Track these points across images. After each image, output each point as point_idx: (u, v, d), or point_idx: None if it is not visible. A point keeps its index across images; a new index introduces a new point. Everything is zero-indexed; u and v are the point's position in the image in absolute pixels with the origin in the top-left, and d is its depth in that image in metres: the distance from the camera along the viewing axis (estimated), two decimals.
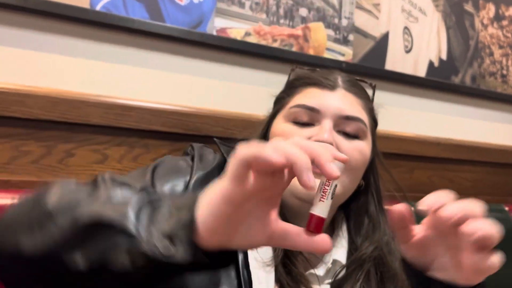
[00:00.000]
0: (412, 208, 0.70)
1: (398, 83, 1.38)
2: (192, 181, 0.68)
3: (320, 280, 0.69)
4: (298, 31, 1.21)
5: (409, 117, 1.42)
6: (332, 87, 0.74)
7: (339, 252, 0.73)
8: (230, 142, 0.79)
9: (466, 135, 1.50)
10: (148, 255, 0.41)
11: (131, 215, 0.43)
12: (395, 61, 1.37)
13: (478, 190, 1.49)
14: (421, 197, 1.56)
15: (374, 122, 0.81)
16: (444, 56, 1.47)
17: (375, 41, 1.33)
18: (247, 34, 1.13)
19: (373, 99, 0.84)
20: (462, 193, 1.49)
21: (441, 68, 1.46)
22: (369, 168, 0.79)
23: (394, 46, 1.37)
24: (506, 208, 1.37)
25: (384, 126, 1.36)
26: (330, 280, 0.70)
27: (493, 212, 1.34)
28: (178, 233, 0.41)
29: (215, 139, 0.79)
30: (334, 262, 0.72)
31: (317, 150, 0.41)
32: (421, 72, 1.42)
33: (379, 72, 1.33)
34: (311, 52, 1.22)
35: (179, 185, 0.68)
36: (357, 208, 0.77)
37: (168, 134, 1.01)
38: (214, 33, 1.09)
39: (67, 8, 0.94)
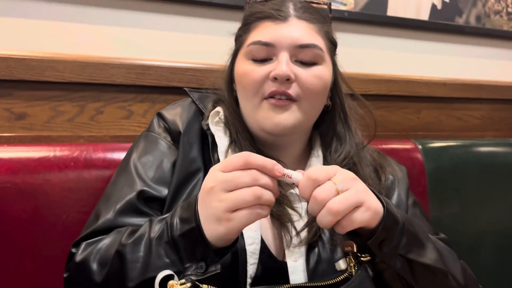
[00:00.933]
0: None
1: (401, 28, 1.43)
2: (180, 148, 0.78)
3: (300, 198, 0.76)
4: None
5: (415, 60, 1.48)
6: (284, 18, 0.75)
7: None
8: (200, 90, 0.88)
9: (473, 74, 1.55)
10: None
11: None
12: (397, 7, 1.41)
13: (486, 126, 1.55)
14: (429, 136, 1.64)
15: (331, 43, 0.82)
16: None
17: None
18: None
19: (330, 19, 0.84)
20: (471, 130, 1.57)
21: (444, 10, 1.49)
22: (333, 89, 0.83)
23: None
24: None
25: (390, 69, 1.43)
26: None
27: (503, 146, 1.40)
28: (206, 256, 0.59)
29: (185, 88, 0.86)
30: None
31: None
32: (424, 15, 1.46)
33: (381, 19, 1.38)
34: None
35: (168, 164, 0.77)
36: (326, 128, 0.83)
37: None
38: None
39: None
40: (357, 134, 0.85)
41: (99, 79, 1.02)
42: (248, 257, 0.68)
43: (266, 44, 0.75)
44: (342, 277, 0.65)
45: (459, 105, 1.49)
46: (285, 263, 0.72)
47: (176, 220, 0.61)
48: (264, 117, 0.75)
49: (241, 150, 0.76)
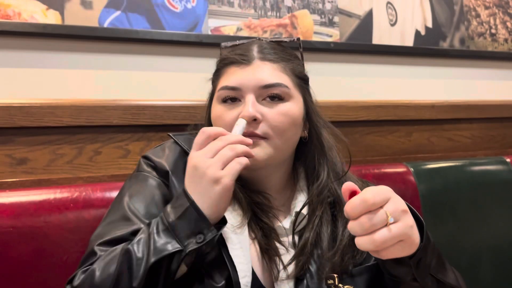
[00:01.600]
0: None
1: (386, 55, 1.48)
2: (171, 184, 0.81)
3: (287, 231, 0.79)
4: (286, 20, 1.33)
5: (403, 85, 1.52)
6: (248, 61, 0.80)
7: (299, 205, 0.82)
8: (182, 131, 0.91)
9: (460, 95, 1.59)
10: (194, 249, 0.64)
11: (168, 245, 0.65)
12: (381, 35, 1.47)
13: (477, 145, 1.58)
14: (421, 158, 1.67)
15: (300, 78, 0.84)
16: (430, 24, 1.56)
17: (360, 19, 1.44)
18: (239, 29, 1.27)
19: (301, 53, 0.87)
20: (462, 149, 1.61)
21: (428, 35, 1.55)
22: (309, 121, 0.85)
23: (379, 22, 1.47)
24: (508, 160, 1.45)
25: (379, 95, 1.48)
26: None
27: (496, 164, 1.42)
28: (202, 228, 0.66)
29: (168, 134, 0.88)
30: (296, 214, 0.80)
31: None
32: (409, 42, 1.52)
33: (367, 47, 1.44)
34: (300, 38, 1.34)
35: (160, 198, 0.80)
36: (304, 159, 0.86)
37: (179, 126, 1.15)
38: (209, 32, 1.23)
39: (80, 28, 1.10)
40: (336, 163, 0.87)
41: (96, 121, 1.07)
42: None
43: (233, 89, 0.79)
44: None
45: (449, 125, 1.53)
46: None
47: (168, 209, 0.68)
48: None
49: None
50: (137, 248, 0.66)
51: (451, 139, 1.54)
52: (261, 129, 0.77)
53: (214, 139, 0.70)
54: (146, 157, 0.85)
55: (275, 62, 0.81)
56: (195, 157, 0.69)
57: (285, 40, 0.87)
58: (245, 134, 0.77)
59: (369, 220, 0.57)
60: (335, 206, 0.83)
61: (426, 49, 1.54)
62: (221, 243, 0.73)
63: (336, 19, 1.40)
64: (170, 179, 0.81)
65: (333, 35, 1.39)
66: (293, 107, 0.80)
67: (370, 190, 0.59)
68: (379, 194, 0.59)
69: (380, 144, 1.41)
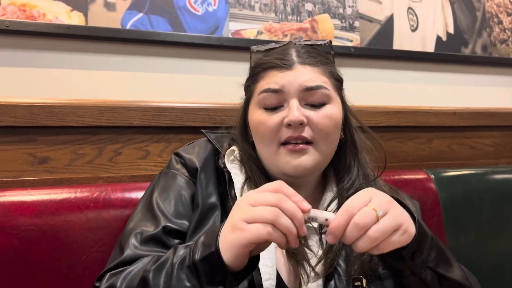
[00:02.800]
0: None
1: (407, 61, 1.47)
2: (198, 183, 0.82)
3: (316, 230, 0.79)
4: (306, 24, 1.33)
5: (423, 91, 1.50)
6: (289, 66, 0.80)
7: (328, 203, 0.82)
8: (216, 130, 0.93)
9: (482, 102, 1.56)
10: None
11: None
12: (402, 41, 1.46)
13: (499, 154, 1.54)
14: (442, 165, 1.64)
15: (337, 81, 0.85)
16: (451, 30, 1.54)
17: (381, 24, 1.43)
18: (259, 33, 1.27)
19: (333, 57, 0.88)
20: (484, 157, 1.58)
21: (449, 41, 1.53)
22: (344, 123, 0.86)
23: (399, 27, 1.45)
24: None
25: (399, 101, 1.46)
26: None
27: None
28: (223, 279, 0.61)
29: (202, 130, 0.91)
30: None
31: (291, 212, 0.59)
32: (430, 47, 1.50)
33: (388, 52, 1.42)
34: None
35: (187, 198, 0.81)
36: (338, 161, 0.86)
37: (198, 128, 1.15)
38: (230, 35, 1.23)
39: (103, 30, 1.11)
40: (367, 166, 0.87)
41: (117, 122, 1.07)
42: None
43: (276, 91, 0.79)
44: None
45: (470, 133, 1.50)
46: None
47: (198, 245, 0.63)
48: (283, 162, 0.78)
49: (256, 186, 0.79)
50: (158, 279, 0.63)
51: (472, 146, 1.51)
52: (307, 133, 0.77)
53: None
54: (177, 154, 0.87)
55: (314, 65, 0.81)
56: (245, 196, 0.63)
57: (319, 43, 0.87)
58: (293, 137, 0.77)
59: (359, 219, 0.58)
60: None
61: (448, 55, 1.52)
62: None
63: (356, 24, 1.39)
64: (199, 176, 0.82)
65: (354, 39, 1.38)
66: (335, 109, 0.81)
67: (349, 199, 0.61)
68: (358, 197, 0.61)
69: (400, 150, 1.39)
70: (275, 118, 0.78)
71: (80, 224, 0.92)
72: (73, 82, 1.11)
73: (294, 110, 0.76)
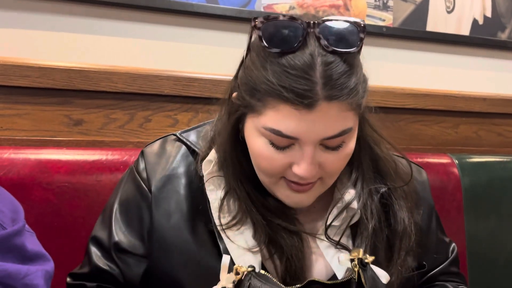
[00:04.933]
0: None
1: (440, 43, 1.44)
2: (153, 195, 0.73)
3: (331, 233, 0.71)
4: (339, 1, 1.32)
5: (454, 75, 1.48)
6: (311, 105, 0.58)
7: (345, 197, 0.72)
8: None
9: None
10: None
11: None
12: (436, 22, 1.43)
13: None
14: (467, 151, 1.63)
15: (359, 108, 0.65)
16: (489, 14, 1.50)
17: (416, 4, 1.40)
18: (291, 8, 1.27)
19: (362, 42, 0.62)
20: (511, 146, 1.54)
21: (486, 25, 1.49)
22: (360, 132, 0.71)
23: (435, 8, 1.43)
24: None
25: (429, 84, 1.45)
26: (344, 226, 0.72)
27: None
28: None
29: (176, 133, 0.79)
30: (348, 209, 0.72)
31: None
32: (465, 31, 1.47)
33: (420, 34, 1.40)
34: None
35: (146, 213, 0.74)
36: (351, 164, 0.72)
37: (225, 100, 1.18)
38: (262, 9, 1.24)
39: None
40: (387, 154, 0.77)
41: (148, 89, 1.11)
42: None
43: (288, 137, 0.61)
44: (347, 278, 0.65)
45: (500, 120, 1.48)
46: None
47: None
48: (283, 194, 0.68)
49: (238, 200, 0.69)
50: None
51: (500, 134, 1.49)
52: (316, 176, 0.65)
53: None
54: (143, 155, 0.79)
55: (343, 99, 0.60)
56: None
57: (354, 49, 0.61)
58: (299, 184, 0.65)
59: None
60: (387, 198, 0.73)
61: (483, 39, 1.48)
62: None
63: (390, 3, 1.37)
64: (157, 194, 0.73)
65: (386, 19, 1.37)
66: (353, 143, 0.66)
67: None
68: None
69: (425, 133, 1.39)
70: (283, 159, 0.63)
71: (110, 185, 0.97)
72: (108, 48, 1.15)
73: (307, 164, 0.61)
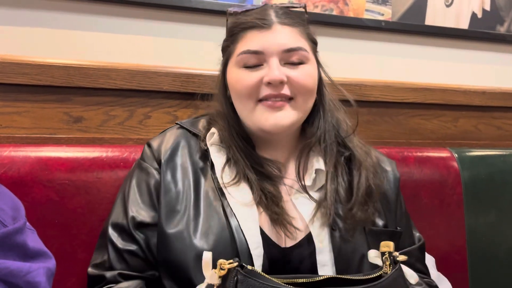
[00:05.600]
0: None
1: (439, 37, 1.44)
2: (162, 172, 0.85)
3: (302, 189, 0.84)
4: None
5: (453, 69, 1.48)
6: (268, 25, 0.81)
7: (316, 164, 0.85)
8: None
9: None
10: None
11: None
12: (435, 16, 1.43)
13: None
14: (466, 145, 1.64)
15: (313, 43, 0.87)
16: (487, 7, 1.50)
17: None
18: (290, 3, 1.26)
19: (307, 20, 0.88)
20: (511, 139, 1.54)
21: (485, 19, 1.49)
22: (319, 84, 0.88)
23: (434, 2, 1.42)
24: None
25: (428, 78, 1.44)
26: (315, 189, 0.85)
27: None
28: None
29: (176, 122, 0.93)
30: (317, 171, 0.85)
31: None
32: (464, 24, 1.47)
33: (419, 28, 1.40)
34: (350, 14, 1.33)
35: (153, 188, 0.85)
36: (312, 121, 0.88)
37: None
38: (261, 4, 1.23)
39: None
40: (342, 124, 0.90)
41: (148, 86, 1.11)
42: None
43: (256, 52, 0.81)
44: (378, 274, 0.69)
45: (499, 113, 1.48)
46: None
47: None
48: (261, 118, 0.81)
49: (236, 165, 0.83)
50: None
51: (500, 127, 1.49)
52: (286, 90, 0.80)
53: None
54: (148, 144, 0.90)
55: (293, 26, 0.83)
56: None
57: (296, 6, 0.88)
58: (272, 95, 0.79)
59: None
60: (351, 160, 0.87)
61: (482, 32, 1.48)
62: (231, 216, 0.78)
63: None
64: (165, 166, 0.85)
65: (385, 13, 1.37)
66: (313, 69, 0.84)
67: None
68: None
69: (425, 127, 1.39)
70: (254, 76, 0.80)
71: (110, 182, 0.97)
72: (107, 45, 1.14)
73: (275, 69, 0.79)
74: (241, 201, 0.80)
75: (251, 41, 0.81)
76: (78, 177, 0.95)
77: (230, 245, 0.76)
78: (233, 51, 0.84)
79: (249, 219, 0.78)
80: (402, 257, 0.71)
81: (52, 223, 0.92)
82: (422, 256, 0.94)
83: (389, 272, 0.69)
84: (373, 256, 0.71)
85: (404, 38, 1.41)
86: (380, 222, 0.86)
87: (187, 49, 1.21)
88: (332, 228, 0.79)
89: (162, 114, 1.14)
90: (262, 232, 0.79)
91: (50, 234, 0.91)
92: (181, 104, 1.16)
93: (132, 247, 0.81)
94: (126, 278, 0.79)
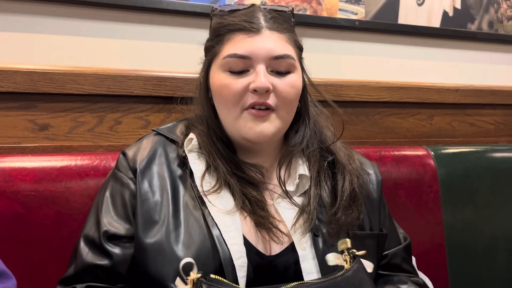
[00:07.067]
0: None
1: (412, 36, 1.45)
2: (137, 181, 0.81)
3: (291, 194, 0.82)
4: None
5: (427, 67, 1.49)
6: (257, 30, 0.78)
7: (300, 168, 0.84)
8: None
9: (486, 80, 1.55)
10: None
11: None
12: (407, 15, 1.43)
13: (500, 132, 1.54)
14: (442, 142, 1.65)
15: (299, 50, 0.85)
16: (458, 5, 1.51)
17: None
18: (263, 3, 1.24)
19: (294, 25, 0.87)
20: (484, 135, 1.58)
21: (456, 17, 1.50)
22: (302, 91, 0.85)
23: (406, 1, 1.43)
24: None
25: (402, 77, 1.45)
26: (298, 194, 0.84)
27: None
28: None
29: (153, 129, 0.88)
30: (301, 176, 0.84)
31: None
32: (436, 23, 1.48)
33: (392, 27, 1.40)
34: (324, 14, 1.32)
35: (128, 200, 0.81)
36: (296, 129, 0.86)
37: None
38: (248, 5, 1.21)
39: None
40: (324, 131, 0.89)
41: (118, 90, 1.07)
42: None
43: (243, 57, 0.78)
44: (341, 273, 0.70)
45: (472, 111, 1.50)
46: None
47: None
48: (246, 127, 0.79)
49: (217, 171, 0.80)
50: None
51: (473, 124, 1.51)
52: (272, 100, 0.78)
53: None
54: (123, 153, 0.85)
55: (281, 32, 0.81)
56: None
57: (285, 10, 0.86)
58: (258, 103, 0.77)
59: None
60: (334, 165, 0.86)
61: (453, 31, 1.50)
62: (213, 226, 0.76)
63: None
64: (141, 176, 0.81)
65: (359, 13, 1.36)
66: (298, 78, 0.81)
67: None
68: None
69: (401, 126, 1.39)
70: (240, 83, 0.78)
71: (80, 191, 0.93)
72: (74, 49, 1.09)
73: (261, 77, 0.76)
74: (223, 209, 0.77)
75: (239, 44, 0.78)
76: (45, 187, 0.90)
77: (212, 256, 0.73)
78: (218, 53, 0.81)
79: (231, 228, 0.76)
80: (361, 252, 0.72)
81: (18, 238, 0.87)
82: (408, 256, 0.93)
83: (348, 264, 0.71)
84: (332, 259, 0.72)
85: (378, 37, 1.41)
86: (364, 226, 0.85)
87: (158, 51, 1.17)
88: (315, 234, 0.78)
89: (133, 119, 1.10)
90: (246, 241, 0.76)
91: (17, 250, 0.86)
92: (153, 108, 1.12)
93: (103, 261, 0.77)
94: None
